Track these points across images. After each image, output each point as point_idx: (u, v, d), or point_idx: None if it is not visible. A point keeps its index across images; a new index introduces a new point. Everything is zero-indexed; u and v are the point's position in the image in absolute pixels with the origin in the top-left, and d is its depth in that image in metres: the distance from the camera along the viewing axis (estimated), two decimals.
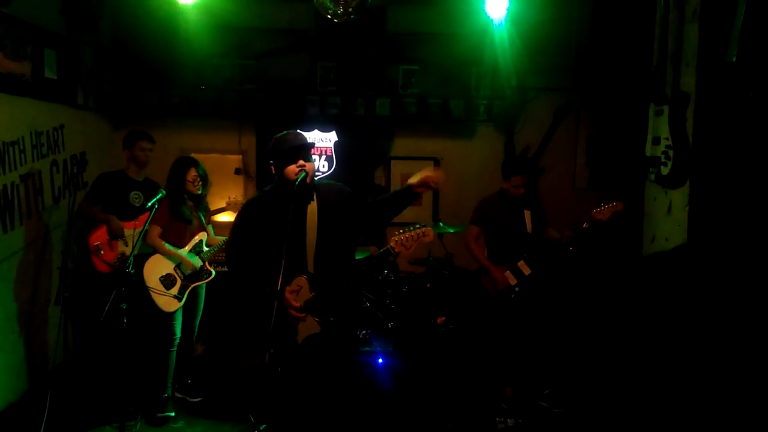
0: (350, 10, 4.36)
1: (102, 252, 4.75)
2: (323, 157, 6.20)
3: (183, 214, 4.51)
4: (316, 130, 6.17)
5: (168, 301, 4.44)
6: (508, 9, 5.36)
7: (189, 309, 4.63)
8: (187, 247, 4.55)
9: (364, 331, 4.88)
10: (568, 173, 6.48)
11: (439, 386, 4.78)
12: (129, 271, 3.64)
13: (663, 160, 3.22)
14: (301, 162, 3.25)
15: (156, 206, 3.91)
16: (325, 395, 3.43)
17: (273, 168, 3.34)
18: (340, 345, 3.40)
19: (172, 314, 4.47)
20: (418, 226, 3.25)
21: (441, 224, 5.34)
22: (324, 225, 3.33)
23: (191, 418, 4.51)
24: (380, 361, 4.77)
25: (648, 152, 3.35)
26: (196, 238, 4.60)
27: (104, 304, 3.61)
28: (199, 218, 4.67)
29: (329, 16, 4.51)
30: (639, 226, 4.05)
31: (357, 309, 3.45)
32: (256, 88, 6.04)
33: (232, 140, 6.33)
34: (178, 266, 4.50)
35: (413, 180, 3.35)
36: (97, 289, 4.78)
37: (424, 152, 6.43)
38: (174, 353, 4.51)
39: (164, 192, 4.08)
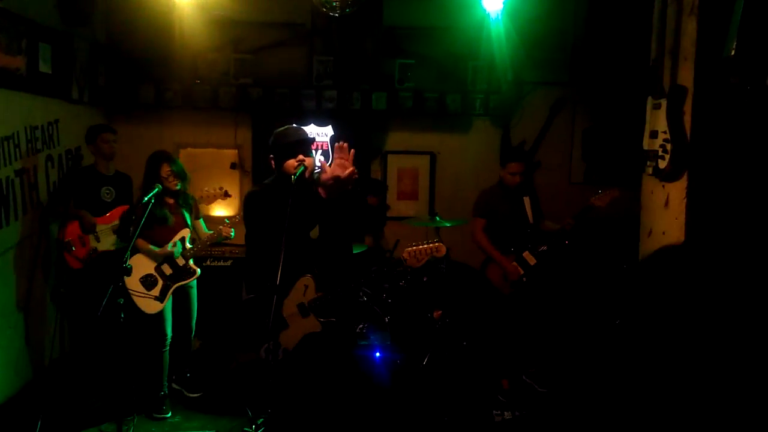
0: (347, 3, 4.34)
1: (73, 248, 4.64)
2: (319, 151, 6.19)
3: (158, 216, 4.31)
4: (312, 125, 6.15)
5: (148, 303, 4.34)
6: (504, 3, 5.35)
7: (181, 308, 4.57)
8: (168, 246, 4.43)
9: (361, 326, 4.89)
10: (564, 167, 6.49)
11: (436, 380, 4.79)
12: (126, 266, 3.61)
13: (660, 153, 3.22)
14: (301, 157, 3.23)
15: (152, 201, 3.85)
16: (322, 389, 3.43)
17: (273, 162, 3.32)
18: (339, 344, 3.39)
19: (159, 315, 4.38)
20: (433, 241, 3.30)
21: (437, 218, 5.34)
22: (327, 222, 3.31)
23: (189, 413, 4.51)
24: (377, 355, 4.78)
25: (645, 146, 3.36)
26: (178, 236, 4.47)
27: (87, 300, 3.54)
28: (181, 215, 4.53)
29: (325, 10, 4.49)
30: (636, 219, 4.08)
31: (358, 310, 3.45)
32: (252, 83, 6.02)
33: (227, 135, 6.30)
34: (159, 266, 4.42)
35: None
36: (75, 286, 4.73)
37: (421, 146, 6.43)
38: (167, 353, 4.45)
39: (161, 187, 4.04)
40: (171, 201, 4.48)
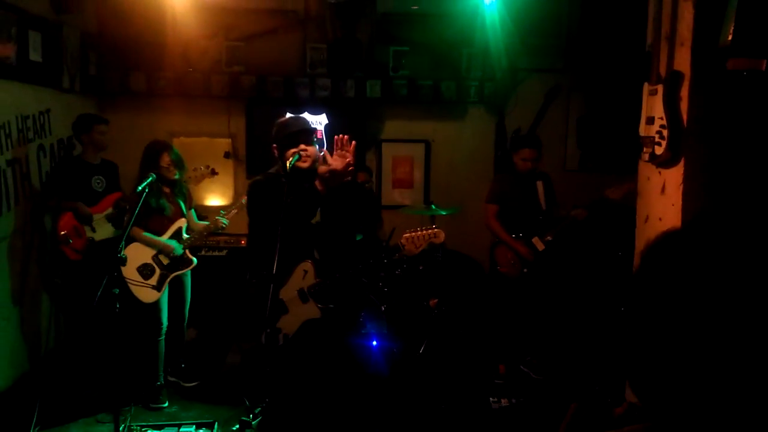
0: None
1: (71, 241, 4.61)
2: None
3: (149, 202, 4.23)
4: (306, 113, 6.11)
5: (146, 292, 4.33)
6: None
7: (176, 297, 4.56)
8: (166, 235, 4.43)
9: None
10: (559, 154, 6.48)
11: (433, 368, 4.80)
12: (121, 256, 3.59)
13: (657, 139, 3.21)
14: (303, 146, 3.23)
15: (146, 190, 3.82)
16: (320, 377, 3.43)
17: (276, 152, 3.32)
18: (338, 331, 3.42)
19: (156, 304, 4.37)
20: (431, 227, 3.31)
21: (433, 206, 5.33)
22: (328, 214, 3.34)
23: (185, 403, 4.50)
24: (374, 343, 4.78)
25: (641, 132, 3.34)
26: (175, 226, 4.46)
27: (85, 290, 3.55)
28: (178, 204, 4.52)
29: None
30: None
31: (359, 298, 3.48)
32: (245, 71, 5.97)
33: (221, 123, 6.26)
34: (156, 255, 4.40)
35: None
36: (74, 277, 4.71)
37: (415, 134, 6.41)
38: (162, 342, 4.45)
39: (155, 176, 4.01)
40: (167, 190, 4.48)
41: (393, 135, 6.40)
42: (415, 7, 6.15)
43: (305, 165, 3.26)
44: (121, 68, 5.85)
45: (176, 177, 4.45)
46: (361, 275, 3.43)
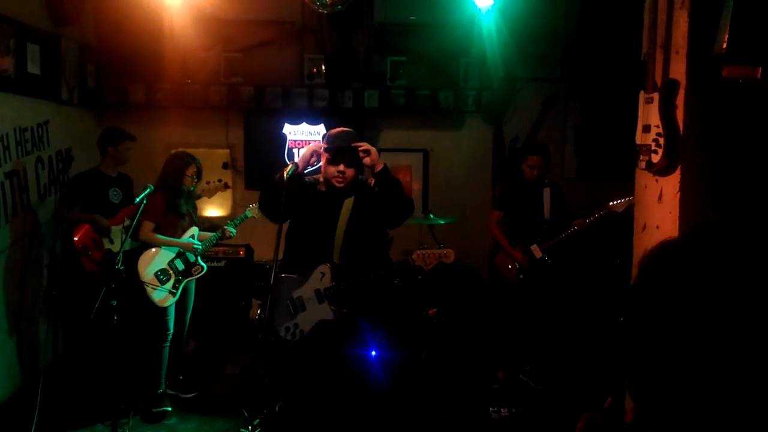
0: (336, 1, 4.32)
1: (90, 252, 4.68)
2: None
3: (179, 207, 4.47)
4: (304, 123, 6.13)
5: (163, 296, 4.40)
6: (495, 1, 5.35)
7: (180, 304, 4.59)
8: (183, 238, 4.53)
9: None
10: (556, 163, 6.47)
11: (433, 377, 4.79)
12: (119, 268, 3.60)
13: (653, 147, 3.21)
14: (342, 167, 3.42)
15: (144, 201, 3.86)
16: (318, 388, 3.44)
17: (323, 159, 3.55)
18: (348, 337, 3.47)
19: (166, 309, 4.43)
20: (444, 246, 3.49)
21: (431, 215, 5.34)
22: (354, 221, 3.47)
23: (184, 414, 4.48)
24: (373, 353, 4.76)
25: (638, 140, 3.35)
26: (188, 233, 4.56)
27: (94, 301, 3.59)
28: (191, 213, 4.64)
29: (316, 7, 4.47)
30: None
31: (373, 306, 3.58)
32: (243, 82, 5.99)
33: (219, 134, 6.27)
34: (171, 261, 4.46)
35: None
36: (90, 288, 4.71)
37: (413, 144, 6.42)
38: (167, 349, 4.47)
39: (152, 187, 4.03)
40: (185, 199, 4.57)
41: (391, 144, 6.40)
42: (413, 18, 6.18)
43: (340, 185, 3.47)
44: (119, 80, 5.87)
45: (193, 189, 4.58)
46: (375, 283, 3.50)
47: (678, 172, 3.15)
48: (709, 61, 2.98)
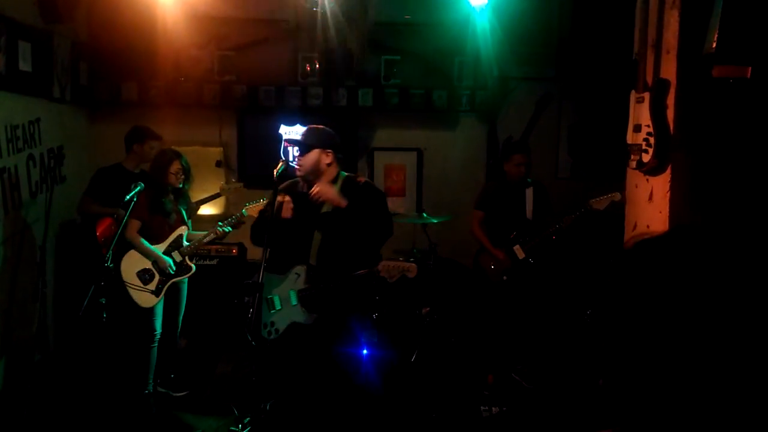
0: None
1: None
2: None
3: (164, 206, 4.42)
4: (298, 125, 6.11)
5: (145, 297, 4.35)
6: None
7: (171, 304, 4.56)
8: (165, 244, 4.46)
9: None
10: (550, 163, 6.49)
11: (425, 376, 4.78)
12: (108, 266, 3.58)
13: (644, 147, 3.22)
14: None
15: (135, 199, 3.85)
16: (309, 387, 3.43)
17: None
18: (325, 340, 3.44)
19: (151, 310, 4.39)
20: (409, 260, 3.61)
21: (425, 215, 5.33)
22: (333, 222, 3.44)
23: (175, 413, 4.47)
24: (364, 352, 4.76)
25: (629, 140, 3.35)
26: (176, 233, 4.51)
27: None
28: (180, 212, 4.58)
29: (308, 6, 4.46)
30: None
31: (346, 309, 3.53)
32: (236, 80, 5.98)
33: (212, 132, 6.25)
34: (156, 261, 4.43)
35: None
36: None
37: (407, 143, 6.41)
38: (155, 349, 4.43)
39: (143, 185, 4.01)
40: (171, 197, 4.52)
41: (385, 143, 6.40)
42: (407, 17, 6.17)
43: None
44: (112, 78, 5.85)
45: (181, 186, 4.51)
46: (344, 290, 3.46)
47: (668, 171, 3.15)
48: (699, 61, 2.98)
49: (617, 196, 4.45)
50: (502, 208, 4.93)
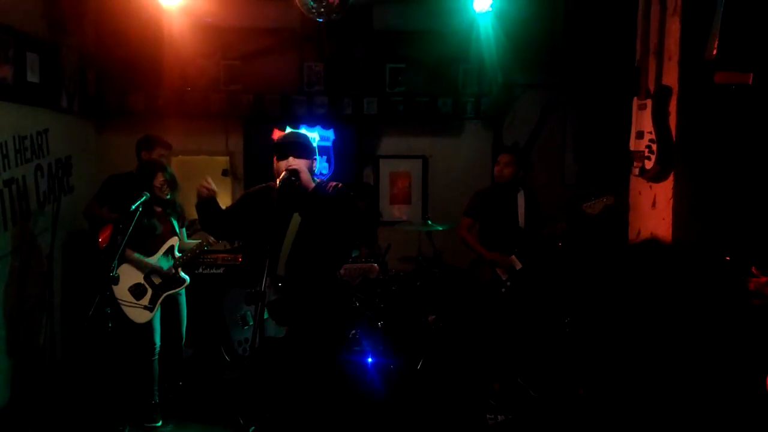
0: (332, 10, 4.34)
1: None
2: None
3: (143, 226, 4.27)
4: (303, 131, 6.13)
5: (138, 312, 4.29)
6: (493, 5, 5.35)
7: (171, 317, 4.53)
8: (156, 257, 4.42)
9: (353, 331, 4.87)
10: (556, 169, 6.48)
11: (430, 384, 4.77)
12: (113, 275, 3.60)
13: (647, 154, 3.22)
14: (291, 159, 3.32)
15: (140, 209, 3.85)
16: (312, 397, 3.41)
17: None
18: (300, 354, 3.38)
19: (148, 324, 4.33)
20: (369, 262, 3.38)
21: (429, 222, 5.34)
22: (303, 233, 3.36)
23: (180, 422, 4.48)
24: (370, 360, 4.76)
25: (631, 146, 3.35)
26: (167, 245, 4.45)
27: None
28: (170, 223, 4.52)
29: (312, 16, 4.49)
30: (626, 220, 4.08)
31: (318, 324, 3.42)
32: (242, 89, 6.01)
33: (219, 141, 6.28)
34: (148, 275, 4.39)
35: None
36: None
37: (412, 150, 6.42)
38: (156, 362, 4.40)
39: (148, 195, 4.02)
40: (159, 209, 4.46)
41: (390, 151, 6.41)
42: (411, 25, 6.18)
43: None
44: (119, 88, 5.90)
45: (168, 197, 4.44)
46: (356, 293, 3.43)
47: (671, 178, 3.15)
48: (701, 68, 2.98)
49: (611, 199, 4.35)
50: (494, 216, 4.84)
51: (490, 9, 5.38)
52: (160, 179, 4.37)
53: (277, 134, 5.97)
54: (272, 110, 6.03)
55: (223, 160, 6.29)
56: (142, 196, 3.93)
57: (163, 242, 4.45)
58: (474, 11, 5.46)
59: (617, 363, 0.97)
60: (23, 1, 4.73)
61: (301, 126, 6.12)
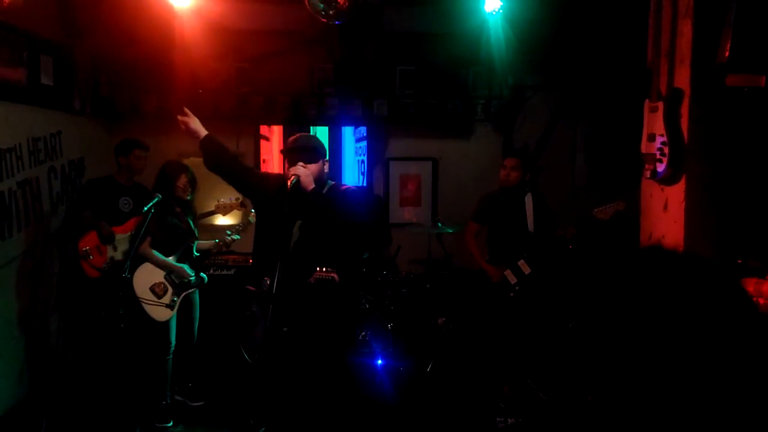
0: (341, 12, 4.35)
1: (91, 257, 4.69)
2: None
3: (168, 224, 4.40)
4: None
5: (160, 311, 4.37)
6: (503, 7, 5.35)
7: (185, 316, 4.58)
8: (175, 256, 4.47)
9: (363, 333, 4.88)
10: (567, 171, 6.46)
11: (440, 386, 4.77)
12: (126, 276, 3.63)
13: (658, 157, 3.20)
14: (301, 164, 3.38)
15: (152, 211, 3.88)
16: (322, 398, 3.42)
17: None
18: (307, 355, 3.38)
19: (166, 323, 4.40)
20: (331, 269, 3.40)
21: (439, 224, 5.34)
22: (305, 232, 3.38)
23: (191, 423, 4.50)
24: (380, 362, 4.76)
25: (643, 149, 3.34)
26: (185, 245, 4.52)
27: (96, 309, 3.60)
28: (188, 223, 4.59)
29: (321, 18, 4.50)
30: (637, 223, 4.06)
31: (316, 323, 3.42)
32: (253, 91, 6.04)
33: (230, 143, 6.20)
34: (168, 274, 4.45)
35: None
36: (87, 294, 4.75)
37: (422, 152, 6.42)
38: (170, 361, 4.45)
39: (160, 196, 4.06)
40: (179, 210, 4.53)
41: (400, 153, 6.42)
42: (421, 27, 6.18)
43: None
44: (131, 90, 5.94)
45: (188, 198, 4.53)
46: (366, 295, 3.43)
47: (683, 181, 3.13)
48: (713, 70, 2.96)
49: (621, 205, 4.35)
50: (502, 220, 4.80)
51: (501, 6, 5.36)
52: (183, 180, 4.46)
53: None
54: (283, 112, 6.06)
55: None
56: (155, 198, 3.96)
57: (182, 242, 4.51)
58: (484, 13, 5.45)
59: (624, 368, 0.97)
60: (37, 4, 4.77)
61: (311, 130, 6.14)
